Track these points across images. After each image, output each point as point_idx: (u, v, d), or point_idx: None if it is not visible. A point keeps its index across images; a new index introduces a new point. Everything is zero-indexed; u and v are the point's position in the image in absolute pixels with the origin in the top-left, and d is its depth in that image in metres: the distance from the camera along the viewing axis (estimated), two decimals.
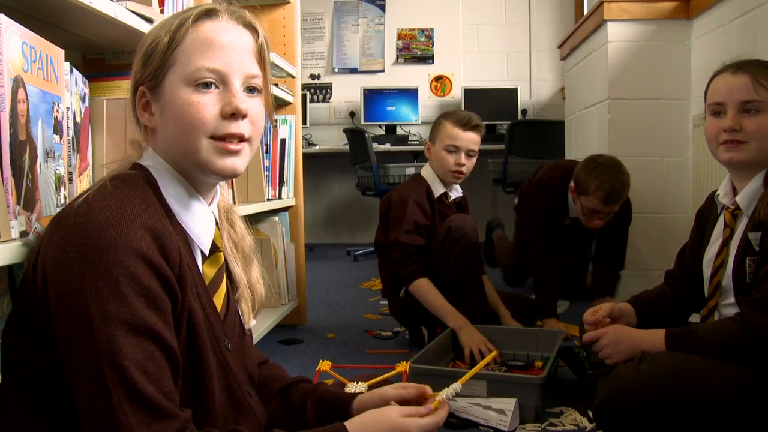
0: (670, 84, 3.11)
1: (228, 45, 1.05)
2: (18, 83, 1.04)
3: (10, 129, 1.01)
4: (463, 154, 2.58)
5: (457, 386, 1.25)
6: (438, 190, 2.67)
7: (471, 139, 2.58)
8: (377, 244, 2.78)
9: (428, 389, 1.27)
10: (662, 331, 1.71)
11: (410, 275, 2.51)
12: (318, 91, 6.18)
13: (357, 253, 5.21)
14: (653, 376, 1.58)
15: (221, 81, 1.04)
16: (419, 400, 1.26)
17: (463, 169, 2.59)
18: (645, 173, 3.06)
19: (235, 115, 1.04)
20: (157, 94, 1.05)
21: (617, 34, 3.14)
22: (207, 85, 1.02)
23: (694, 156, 2.99)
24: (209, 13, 1.06)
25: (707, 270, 1.81)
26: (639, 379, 1.60)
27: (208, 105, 1.02)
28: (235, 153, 1.05)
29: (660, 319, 1.90)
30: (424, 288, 2.48)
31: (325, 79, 6.20)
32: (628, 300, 1.98)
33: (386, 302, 3.40)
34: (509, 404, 1.75)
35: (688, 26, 3.06)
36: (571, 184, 2.74)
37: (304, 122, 5.52)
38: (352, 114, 6.06)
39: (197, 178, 1.09)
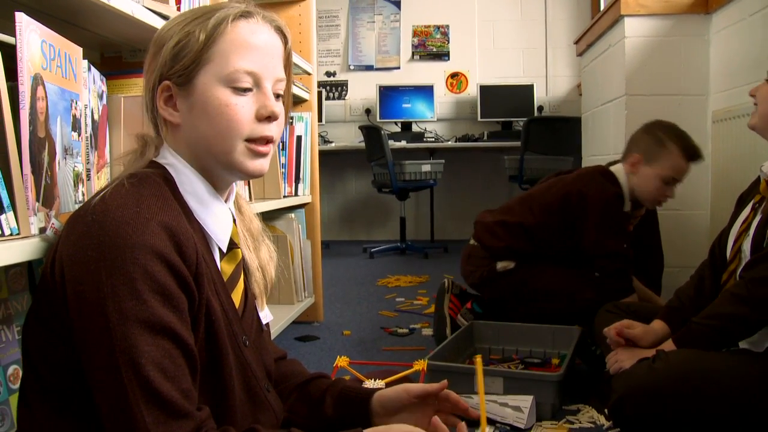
0: (688, 80, 3.08)
1: (264, 47, 1.05)
2: (37, 81, 1.05)
3: (29, 126, 1.02)
4: (676, 186, 2.40)
5: None
6: (626, 205, 2.48)
7: (688, 171, 2.40)
8: (515, 222, 2.58)
9: (446, 384, 1.26)
10: (669, 341, 1.73)
11: (627, 291, 2.38)
12: (334, 88, 6.18)
13: (373, 250, 5.21)
14: (667, 374, 1.58)
15: (256, 83, 1.05)
16: (440, 397, 1.25)
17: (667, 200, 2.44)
18: None
19: (270, 118, 1.05)
20: (186, 90, 1.05)
21: (634, 29, 3.11)
22: (245, 89, 1.04)
23: (713, 152, 2.96)
24: (245, 14, 1.06)
25: (732, 236, 1.79)
26: (653, 377, 1.60)
27: (244, 107, 1.03)
28: (265, 154, 1.07)
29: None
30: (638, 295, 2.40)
31: (340, 77, 6.21)
32: (660, 314, 1.93)
33: (403, 299, 3.42)
34: (526, 401, 1.74)
35: (707, 21, 3.03)
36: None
37: (319, 119, 5.53)
38: (367, 111, 6.07)
39: (217, 176, 1.09)
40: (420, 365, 1.59)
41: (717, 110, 2.89)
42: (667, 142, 2.36)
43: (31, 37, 1.04)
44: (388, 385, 1.38)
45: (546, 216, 2.51)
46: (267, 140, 1.06)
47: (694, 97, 3.07)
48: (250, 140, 1.05)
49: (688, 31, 3.06)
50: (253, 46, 1.04)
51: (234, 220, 1.15)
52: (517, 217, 2.56)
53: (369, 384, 1.38)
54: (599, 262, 2.41)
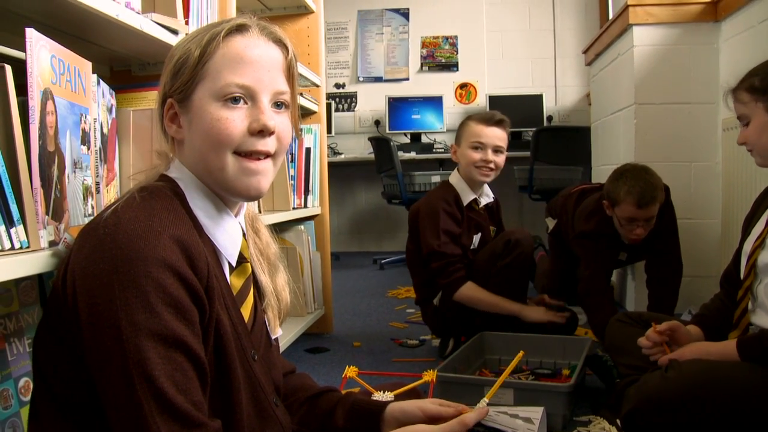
0: (697, 88, 3.07)
1: (258, 61, 1.05)
2: (47, 95, 1.06)
3: (39, 140, 1.03)
4: (489, 151, 2.56)
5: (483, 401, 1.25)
6: (467, 196, 2.65)
7: (496, 135, 2.57)
8: (408, 253, 2.78)
9: (466, 409, 1.26)
10: (734, 341, 1.67)
11: (455, 282, 2.52)
12: (343, 100, 6.20)
13: (383, 261, 5.20)
14: (679, 384, 1.57)
15: (250, 97, 1.04)
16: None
17: (491, 165, 2.57)
18: (673, 178, 3.01)
19: (263, 132, 1.04)
20: (185, 106, 1.05)
21: (643, 38, 3.11)
22: (235, 100, 1.03)
23: (724, 160, 2.96)
24: (240, 28, 1.06)
25: (745, 254, 1.77)
26: (665, 387, 1.58)
27: (236, 121, 1.02)
28: (260, 171, 1.05)
29: (728, 329, 1.81)
30: (473, 290, 2.51)
31: (349, 88, 6.22)
32: (693, 320, 1.92)
33: (413, 310, 3.41)
34: (537, 413, 1.73)
35: (716, 29, 3.02)
36: (605, 201, 2.62)
37: (329, 131, 5.54)
38: (377, 122, 6.08)
39: (221, 193, 1.09)
40: (429, 376, 1.58)
41: (727, 118, 2.89)
42: (465, 121, 2.67)
43: (41, 52, 1.05)
44: (396, 396, 1.38)
45: (414, 240, 2.70)
46: (261, 154, 1.05)
47: (704, 105, 3.07)
48: (240, 153, 1.04)
49: (697, 40, 3.06)
50: (246, 60, 1.04)
51: (244, 234, 1.15)
52: (412, 259, 2.76)
53: (378, 396, 1.38)
54: (428, 263, 2.57)
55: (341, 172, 5.86)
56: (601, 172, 3.80)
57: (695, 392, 1.54)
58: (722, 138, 2.95)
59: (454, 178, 2.70)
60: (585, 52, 4.18)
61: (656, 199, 2.48)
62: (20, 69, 1.03)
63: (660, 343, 1.80)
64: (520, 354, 1.46)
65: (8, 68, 0.99)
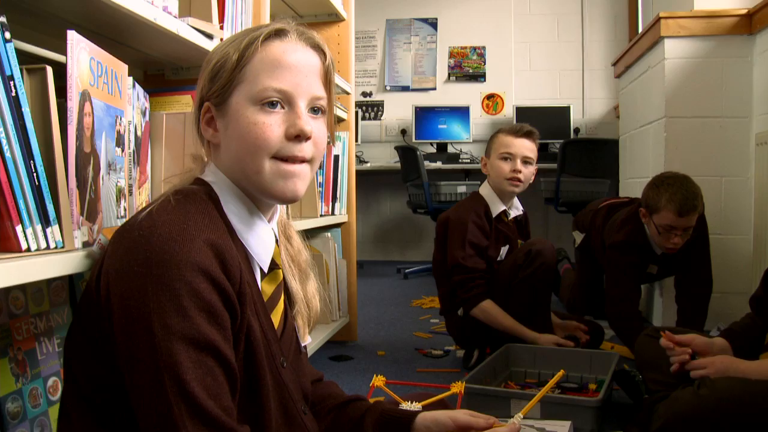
0: (730, 101, 3.03)
1: (296, 66, 1.05)
2: (85, 97, 1.06)
3: (76, 142, 1.04)
4: (518, 161, 2.56)
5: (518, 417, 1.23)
6: (497, 208, 2.65)
7: (525, 145, 2.58)
8: (434, 262, 2.77)
9: (497, 421, 1.24)
10: (767, 360, 1.65)
11: (474, 298, 2.53)
12: (370, 108, 6.21)
13: (407, 270, 5.19)
14: (712, 401, 1.54)
15: (287, 101, 1.04)
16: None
17: (520, 176, 2.56)
18: (704, 193, 2.97)
19: (300, 137, 1.04)
20: (222, 110, 1.05)
21: (675, 51, 3.08)
22: (273, 105, 1.02)
23: (756, 175, 2.91)
24: (279, 33, 1.06)
25: None
26: (698, 405, 1.56)
27: (273, 126, 1.02)
28: (297, 174, 1.05)
29: (756, 349, 1.80)
30: (491, 310, 2.52)
31: (376, 97, 6.23)
32: (721, 333, 1.89)
33: (437, 321, 3.39)
34: (564, 427, 1.71)
35: (750, 42, 2.99)
36: (641, 209, 2.59)
37: (355, 139, 5.54)
38: (403, 132, 6.08)
39: (256, 197, 1.09)
40: (457, 387, 1.57)
41: (760, 132, 2.85)
42: (495, 133, 2.68)
43: (81, 54, 1.06)
44: (424, 407, 1.36)
45: (441, 250, 2.70)
46: (298, 160, 1.05)
47: (737, 119, 3.03)
48: (278, 158, 1.03)
49: (731, 53, 3.02)
50: (284, 64, 1.04)
51: (276, 241, 1.15)
52: (438, 269, 2.75)
53: (406, 406, 1.36)
54: (452, 275, 2.59)
55: (367, 181, 5.87)
56: (629, 185, 3.76)
57: (729, 410, 1.51)
58: (755, 152, 2.91)
59: (485, 190, 2.70)
60: (614, 64, 4.15)
61: (696, 208, 2.44)
62: (58, 72, 1.04)
63: (684, 352, 1.79)
64: (561, 372, 1.45)
65: (49, 70, 1.00)
